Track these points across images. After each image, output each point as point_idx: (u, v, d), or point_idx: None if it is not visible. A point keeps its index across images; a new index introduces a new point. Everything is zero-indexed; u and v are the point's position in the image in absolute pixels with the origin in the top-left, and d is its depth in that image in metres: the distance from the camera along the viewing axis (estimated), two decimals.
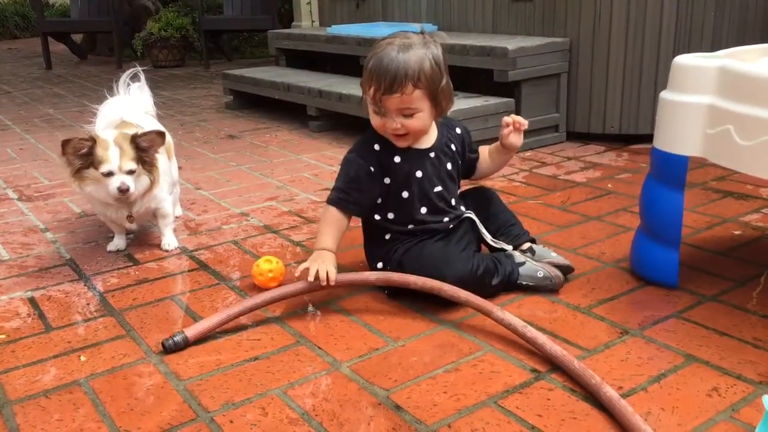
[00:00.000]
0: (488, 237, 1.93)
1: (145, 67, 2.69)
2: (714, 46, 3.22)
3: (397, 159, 1.83)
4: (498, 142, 1.95)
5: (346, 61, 4.28)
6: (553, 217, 2.43)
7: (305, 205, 2.68)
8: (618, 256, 2.07)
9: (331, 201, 1.86)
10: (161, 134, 2.14)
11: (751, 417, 1.31)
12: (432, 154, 1.87)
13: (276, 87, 4.28)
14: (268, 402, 1.43)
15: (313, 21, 7.05)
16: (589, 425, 1.32)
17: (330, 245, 1.83)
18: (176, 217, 2.49)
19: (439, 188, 1.88)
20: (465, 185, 2.05)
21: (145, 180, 2.11)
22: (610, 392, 1.34)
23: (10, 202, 2.88)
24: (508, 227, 1.96)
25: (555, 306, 1.79)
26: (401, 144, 1.83)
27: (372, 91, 1.74)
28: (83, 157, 2.02)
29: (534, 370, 1.50)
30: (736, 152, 1.61)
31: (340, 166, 1.89)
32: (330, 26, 4.74)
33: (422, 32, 1.78)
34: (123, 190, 2.03)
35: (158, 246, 2.30)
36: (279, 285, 1.93)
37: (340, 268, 1.81)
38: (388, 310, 1.80)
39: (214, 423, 1.37)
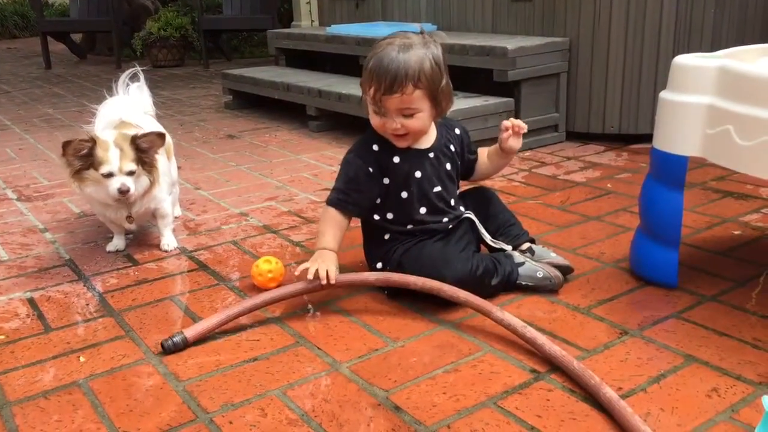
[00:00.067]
0: (487, 237, 1.93)
1: (144, 67, 2.69)
2: (714, 45, 3.22)
3: (396, 159, 1.83)
4: (497, 145, 1.95)
5: (345, 60, 4.28)
6: (553, 217, 2.43)
7: (305, 205, 2.68)
8: (617, 256, 2.07)
9: (330, 202, 1.86)
10: (161, 135, 2.14)
11: (750, 417, 1.31)
12: (431, 155, 1.86)
13: (275, 87, 4.28)
14: (267, 403, 1.43)
15: (312, 21, 7.05)
16: (589, 426, 1.32)
17: (331, 245, 1.83)
18: (175, 218, 2.49)
19: (438, 188, 1.88)
20: (464, 185, 2.05)
21: (144, 181, 2.11)
22: (609, 393, 1.34)
23: (9, 202, 2.87)
24: (507, 227, 1.96)
25: (554, 306, 1.79)
26: (401, 144, 1.82)
27: (372, 91, 1.74)
28: (83, 158, 2.02)
29: (533, 371, 1.50)
30: (735, 152, 1.60)
31: (339, 167, 1.89)
32: (329, 26, 4.74)
33: (422, 32, 1.78)
34: (123, 192, 2.03)
35: (157, 246, 2.29)
36: (278, 285, 1.93)
37: (340, 269, 1.81)
38: (388, 311, 1.80)
39: (213, 424, 1.37)
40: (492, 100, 3.31)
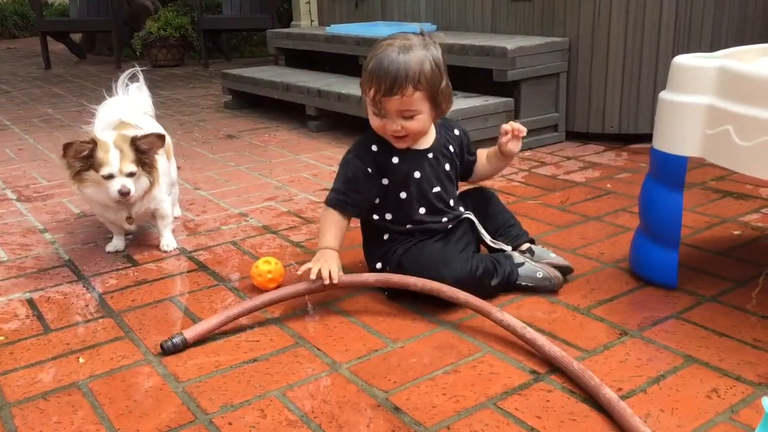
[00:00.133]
0: (487, 237, 1.92)
1: (144, 68, 2.69)
2: (713, 45, 3.22)
3: (395, 160, 1.83)
4: (496, 147, 1.95)
5: (345, 60, 4.27)
6: (553, 218, 2.43)
7: (304, 206, 2.67)
8: (617, 256, 2.07)
9: (329, 202, 1.86)
10: (161, 137, 2.14)
11: (750, 418, 1.31)
12: (430, 155, 1.86)
13: (275, 87, 4.28)
14: (267, 404, 1.43)
15: (312, 20, 7.05)
16: (589, 427, 1.32)
17: (333, 244, 1.83)
18: (175, 218, 2.49)
19: (437, 189, 1.87)
20: (463, 186, 2.05)
21: (144, 181, 2.11)
22: (609, 394, 1.34)
23: (8, 202, 2.87)
24: (507, 228, 1.96)
25: (554, 307, 1.79)
26: (400, 145, 1.82)
27: (372, 92, 1.74)
28: (84, 159, 2.02)
29: (533, 372, 1.50)
30: (735, 153, 1.60)
31: (338, 167, 1.89)
32: (329, 26, 4.73)
33: (422, 33, 1.77)
34: (124, 193, 2.03)
35: (157, 247, 2.29)
36: (278, 286, 1.93)
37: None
38: (388, 311, 1.80)
39: (212, 425, 1.36)
40: (491, 100, 3.31)
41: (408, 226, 1.88)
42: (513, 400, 1.40)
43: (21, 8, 12.08)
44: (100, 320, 1.82)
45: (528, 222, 2.30)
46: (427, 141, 1.87)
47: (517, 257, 1.87)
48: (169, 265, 2.17)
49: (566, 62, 3.39)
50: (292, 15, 7.69)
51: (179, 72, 7.02)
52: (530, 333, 1.55)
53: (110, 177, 2.03)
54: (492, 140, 2.01)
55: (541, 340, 1.53)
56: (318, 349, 1.63)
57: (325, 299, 1.86)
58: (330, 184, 1.91)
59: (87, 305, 1.91)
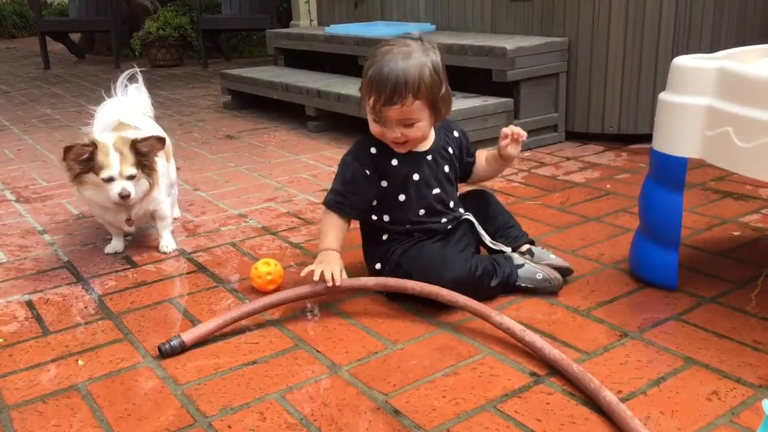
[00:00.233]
0: (487, 239, 1.92)
1: (143, 68, 2.69)
2: (713, 45, 3.22)
3: (394, 162, 1.83)
4: (495, 150, 1.95)
5: (344, 60, 4.27)
6: (552, 218, 2.43)
7: (304, 206, 2.67)
8: (617, 257, 2.07)
9: (328, 204, 1.86)
10: (161, 139, 2.14)
11: (750, 421, 1.31)
12: (429, 157, 1.86)
13: (274, 87, 4.28)
14: (266, 407, 1.42)
15: (311, 20, 7.04)
16: (589, 429, 1.31)
17: (334, 245, 1.83)
18: (174, 219, 2.48)
19: (437, 191, 1.87)
20: (463, 187, 2.05)
21: (144, 184, 2.10)
22: (609, 396, 1.34)
23: (7, 203, 2.87)
24: (506, 229, 1.96)
25: (554, 308, 1.78)
26: (400, 150, 1.82)
27: (372, 101, 1.74)
28: (84, 162, 2.02)
29: (533, 374, 1.50)
30: (735, 154, 1.60)
31: (337, 168, 1.89)
32: (328, 26, 4.73)
33: (420, 38, 1.77)
34: (124, 196, 2.03)
35: (156, 248, 2.29)
36: (277, 288, 1.93)
37: None
38: (387, 313, 1.79)
39: (212, 428, 1.36)
40: (491, 101, 3.31)
41: (407, 226, 1.87)
42: (513, 403, 1.40)
43: (20, 8, 12.08)
44: (99, 322, 1.81)
45: (527, 223, 2.30)
46: (426, 143, 1.86)
47: (517, 258, 1.87)
48: (169, 267, 2.16)
49: (566, 62, 3.39)
50: (292, 15, 7.69)
51: (178, 72, 7.02)
52: (530, 336, 1.55)
53: (110, 180, 2.03)
54: (491, 141, 2.01)
55: (541, 342, 1.53)
56: (317, 351, 1.62)
57: (324, 300, 1.86)
58: (329, 185, 1.91)
59: (86, 307, 1.91)
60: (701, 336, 1.62)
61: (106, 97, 2.48)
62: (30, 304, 1.94)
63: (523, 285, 1.84)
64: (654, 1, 3.16)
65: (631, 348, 1.58)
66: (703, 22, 3.23)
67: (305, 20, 7.28)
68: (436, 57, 1.74)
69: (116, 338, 1.73)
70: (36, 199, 2.91)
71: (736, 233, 2.24)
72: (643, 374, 1.48)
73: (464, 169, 1.99)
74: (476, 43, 3.41)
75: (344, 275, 1.78)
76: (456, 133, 1.95)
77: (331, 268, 1.75)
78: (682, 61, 1.75)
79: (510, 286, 1.84)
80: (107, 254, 2.27)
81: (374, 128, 1.79)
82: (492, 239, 1.93)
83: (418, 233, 1.87)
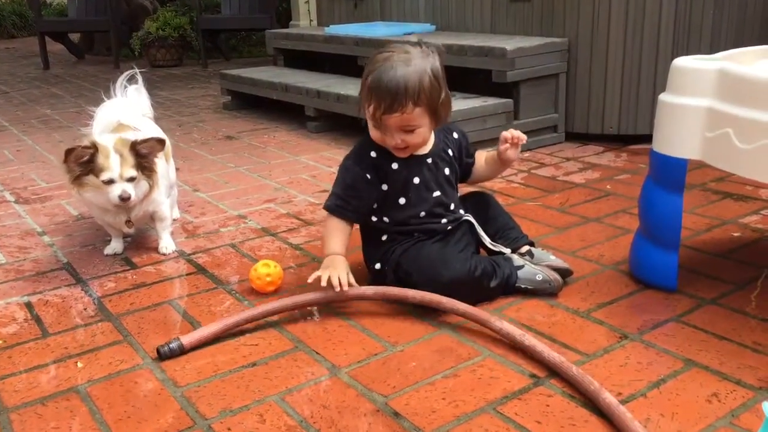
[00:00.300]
0: (487, 240, 1.92)
1: (143, 69, 2.68)
2: (713, 46, 3.22)
3: (394, 166, 1.83)
4: (495, 152, 1.95)
5: (344, 61, 4.26)
6: (552, 219, 2.43)
7: (303, 207, 2.67)
8: (617, 258, 2.07)
9: (329, 209, 1.85)
10: (161, 141, 2.13)
11: (751, 423, 1.31)
12: (429, 160, 1.86)
13: (274, 87, 4.27)
14: (266, 409, 1.42)
15: (311, 20, 7.04)
16: None
17: (339, 249, 1.83)
18: (174, 220, 2.48)
19: (437, 193, 1.87)
20: (462, 189, 2.04)
21: (144, 185, 2.10)
22: (609, 398, 1.34)
23: (7, 204, 2.86)
24: (506, 230, 1.96)
25: (554, 310, 1.78)
26: (401, 155, 1.82)
27: (372, 109, 1.73)
28: (84, 164, 2.02)
29: (533, 376, 1.49)
30: (735, 156, 1.60)
31: (337, 172, 1.89)
32: (328, 26, 4.73)
33: (419, 43, 1.76)
34: (124, 199, 2.03)
35: (155, 249, 2.29)
36: (276, 289, 1.93)
37: None
38: (387, 314, 1.79)
39: (211, 430, 1.36)
40: (491, 101, 3.30)
41: (407, 226, 1.87)
42: (513, 405, 1.40)
43: (19, 8, 12.07)
44: (99, 324, 1.81)
45: (527, 224, 2.30)
46: (426, 146, 1.86)
47: (517, 260, 1.87)
48: (168, 268, 2.16)
49: (566, 63, 3.39)
50: (291, 15, 7.69)
51: (178, 72, 7.01)
52: (529, 340, 1.55)
53: (111, 182, 2.02)
54: (491, 141, 2.01)
55: (540, 346, 1.53)
56: (317, 353, 1.62)
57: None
58: (329, 186, 1.91)
59: (85, 309, 1.90)
60: (701, 338, 1.62)
61: (105, 98, 2.48)
62: (29, 306, 1.93)
63: (522, 286, 1.84)
64: (654, 2, 3.16)
65: (631, 350, 1.58)
66: (703, 23, 3.23)
67: (305, 20, 7.27)
68: (435, 62, 1.74)
69: (116, 340, 1.73)
70: (35, 200, 2.91)
71: (736, 234, 2.24)
72: (643, 376, 1.47)
73: (463, 169, 1.99)
74: (476, 44, 3.41)
75: (351, 279, 1.78)
76: (455, 135, 1.95)
77: (338, 272, 1.75)
78: (682, 62, 1.74)
79: (510, 288, 1.84)
80: (106, 255, 2.27)
81: (374, 134, 1.79)
82: (492, 241, 1.93)
83: (418, 233, 1.87)
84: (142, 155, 2.08)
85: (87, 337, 1.74)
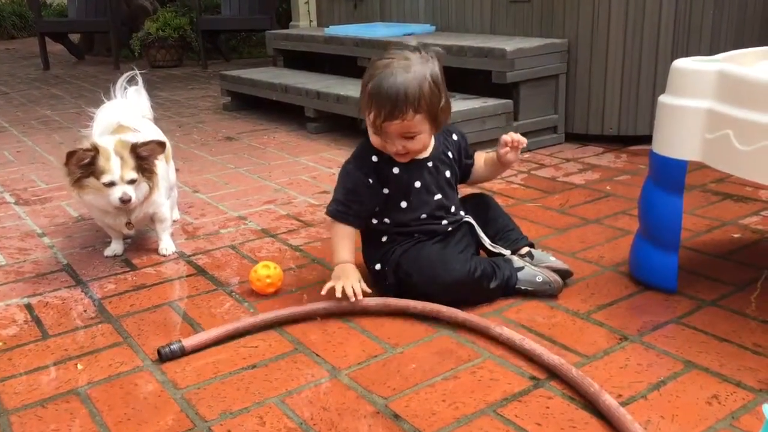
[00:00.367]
0: (486, 241, 1.92)
1: (143, 70, 2.68)
2: (713, 46, 3.22)
3: (395, 170, 1.83)
4: (494, 154, 1.95)
5: (344, 61, 4.26)
6: (552, 220, 2.43)
7: (303, 208, 2.67)
8: (617, 259, 2.06)
9: (332, 214, 1.86)
10: (161, 143, 2.13)
11: (751, 425, 1.31)
12: (430, 164, 1.86)
13: (274, 88, 4.27)
14: (266, 411, 1.42)
15: (311, 21, 7.04)
16: None
17: (347, 257, 1.83)
18: (174, 221, 2.48)
19: (438, 196, 1.87)
20: (462, 190, 2.05)
21: (144, 187, 2.10)
22: (609, 400, 1.34)
23: (7, 206, 2.86)
24: (506, 232, 1.96)
25: (554, 311, 1.78)
26: (402, 160, 1.82)
27: (372, 116, 1.73)
28: (84, 166, 2.02)
29: (533, 378, 1.49)
30: (735, 157, 1.60)
31: (338, 176, 1.89)
32: (328, 26, 4.73)
33: (419, 48, 1.76)
34: (125, 201, 2.03)
35: (155, 250, 2.29)
36: (276, 291, 1.93)
37: None
38: (387, 316, 1.79)
39: None
40: (490, 102, 3.30)
41: (407, 228, 1.87)
42: (513, 407, 1.40)
43: (19, 8, 12.07)
44: (99, 325, 1.81)
45: (527, 225, 2.30)
46: (427, 150, 1.86)
47: (517, 261, 1.87)
48: (168, 270, 2.16)
49: (565, 64, 3.39)
50: (291, 15, 7.69)
51: (178, 73, 7.01)
52: (529, 344, 1.55)
53: (111, 184, 2.03)
54: (491, 142, 2.01)
55: (540, 349, 1.53)
56: (317, 355, 1.62)
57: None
58: (329, 187, 1.91)
59: (85, 310, 1.90)
60: (701, 339, 1.62)
61: (105, 99, 2.48)
62: (29, 308, 1.93)
63: (522, 288, 1.84)
64: (653, 2, 3.16)
65: (631, 351, 1.58)
66: (703, 24, 3.23)
67: (305, 21, 7.28)
68: (435, 67, 1.74)
69: (116, 342, 1.73)
70: (35, 201, 2.91)
71: (736, 235, 2.24)
72: (643, 378, 1.47)
73: (463, 171, 1.99)
74: (476, 45, 3.41)
75: (364, 286, 1.78)
76: (455, 136, 1.95)
77: (350, 282, 1.76)
78: (681, 63, 1.74)
79: (510, 289, 1.84)
80: (107, 257, 2.27)
81: (375, 140, 1.79)
82: (491, 242, 1.93)
83: (419, 234, 1.87)
84: (143, 157, 2.08)
85: (87, 339, 1.74)
